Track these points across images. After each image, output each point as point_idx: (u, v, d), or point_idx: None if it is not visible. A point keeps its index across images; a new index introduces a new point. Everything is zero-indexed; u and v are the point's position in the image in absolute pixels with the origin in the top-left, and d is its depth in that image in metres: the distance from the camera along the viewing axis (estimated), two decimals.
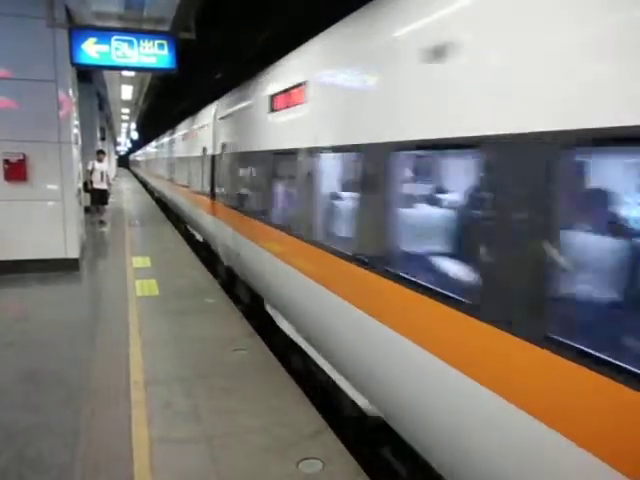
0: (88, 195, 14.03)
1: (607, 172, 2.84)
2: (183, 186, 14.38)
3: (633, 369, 1.92)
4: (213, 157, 10.00)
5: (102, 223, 15.02)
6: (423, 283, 3.17)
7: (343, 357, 4.33)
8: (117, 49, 7.93)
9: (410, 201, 3.96)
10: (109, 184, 15.38)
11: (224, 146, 9.04)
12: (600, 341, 2.16)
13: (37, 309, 7.32)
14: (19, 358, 5.49)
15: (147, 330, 6.30)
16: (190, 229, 13.80)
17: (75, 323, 6.70)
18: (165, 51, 8.15)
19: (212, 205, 9.96)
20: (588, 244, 2.54)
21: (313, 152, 4.84)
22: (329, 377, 4.72)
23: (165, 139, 22.37)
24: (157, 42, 8.10)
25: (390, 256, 3.58)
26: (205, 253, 11.43)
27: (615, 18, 2.07)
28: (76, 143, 10.09)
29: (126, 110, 25.43)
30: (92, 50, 7.85)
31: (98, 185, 14.36)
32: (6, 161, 8.70)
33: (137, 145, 53.48)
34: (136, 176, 53.02)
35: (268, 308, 6.70)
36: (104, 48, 7.89)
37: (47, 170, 8.98)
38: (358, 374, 4.09)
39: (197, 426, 4.15)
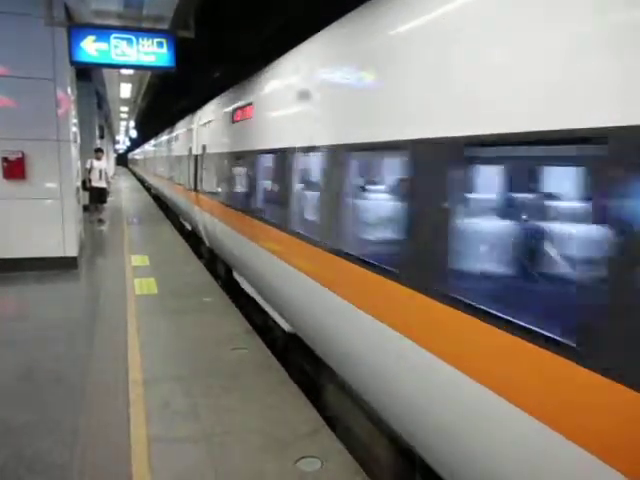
0: (87, 193, 14.01)
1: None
2: (174, 182, 16.34)
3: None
4: (196, 157, 11.82)
5: (101, 221, 15.01)
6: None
7: (279, 302, 5.97)
8: (116, 47, 7.92)
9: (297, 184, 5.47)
10: (108, 182, 15.36)
11: (204, 148, 10.88)
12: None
13: (35, 307, 7.32)
14: (17, 357, 5.49)
15: (145, 329, 6.31)
16: (182, 221, 15.23)
17: (73, 322, 6.70)
18: (164, 49, 8.14)
19: (196, 196, 11.71)
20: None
21: (255, 153, 6.78)
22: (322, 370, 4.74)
23: (159, 140, 24.99)
24: (156, 40, 8.09)
25: (304, 222, 5.07)
26: (194, 241, 12.78)
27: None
28: (75, 141, 10.08)
29: (125, 108, 25.38)
30: (91, 48, 7.84)
31: (97, 183, 14.33)
32: (5, 159, 8.69)
33: (136, 143, 53.44)
34: (134, 174, 52.99)
35: (235, 275, 8.38)
36: (103, 46, 7.88)
37: (46, 168, 8.97)
38: (292, 316, 5.51)
39: (195, 425, 4.15)
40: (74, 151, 9.81)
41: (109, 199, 17.23)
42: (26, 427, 4.07)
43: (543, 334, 2.26)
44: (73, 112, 9.91)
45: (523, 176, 3.88)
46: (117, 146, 55.91)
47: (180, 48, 8.26)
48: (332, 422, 4.49)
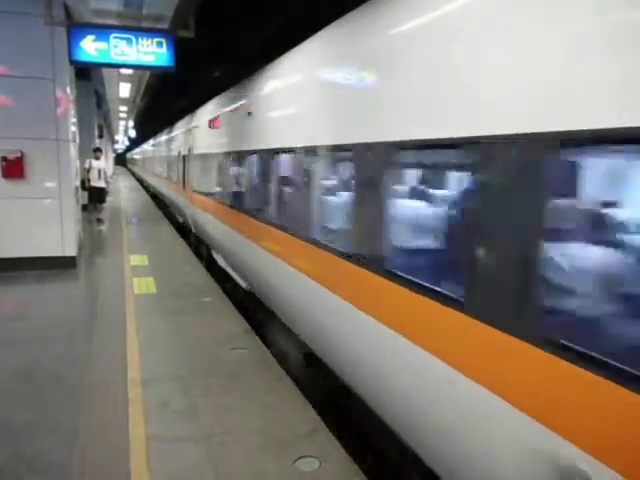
0: (86, 193, 14.00)
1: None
2: (166, 179, 19.05)
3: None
4: (184, 157, 14.20)
5: (99, 221, 15.00)
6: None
7: (238, 266, 8.12)
8: (116, 47, 7.92)
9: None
10: (107, 182, 15.35)
11: (189, 149, 13.21)
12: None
13: (34, 307, 7.31)
14: (16, 356, 5.48)
15: (144, 328, 6.30)
16: (175, 214, 17.17)
17: (72, 321, 6.70)
18: (164, 49, 8.13)
19: (183, 190, 14.15)
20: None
21: (224, 155, 8.92)
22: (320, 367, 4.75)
23: (154, 142, 28.24)
24: (156, 40, 8.09)
25: (245, 202, 7.58)
26: (185, 232, 14.51)
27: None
28: (74, 141, 10.08)
29: (124, 108, 25.37)
30: (91, 48, 7.84)
31: (95, 183, 14.32)
32: (4, 158, 8.69)
33: (135, 143, 53.42)
34: (133, 174, 52.95)
35: (214, 254, 10.34)
36: (103, 46, 7.88)
37: (45, 168, 8.96)
38: (247, 276, 7.59)
39: (195, 425, 4.15)
40: (73, 151, 9.80)
41: (108, 199, 17.22)
42: (26, 427, 4.07)
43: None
44: (72, 111, 9.90)
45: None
46: (116, 146, 55.87)
47: (179, 48, 8.26)
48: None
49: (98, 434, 3.98)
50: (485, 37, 2.70)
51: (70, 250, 9.24)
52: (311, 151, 4.88)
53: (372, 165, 3.77)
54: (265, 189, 6.47)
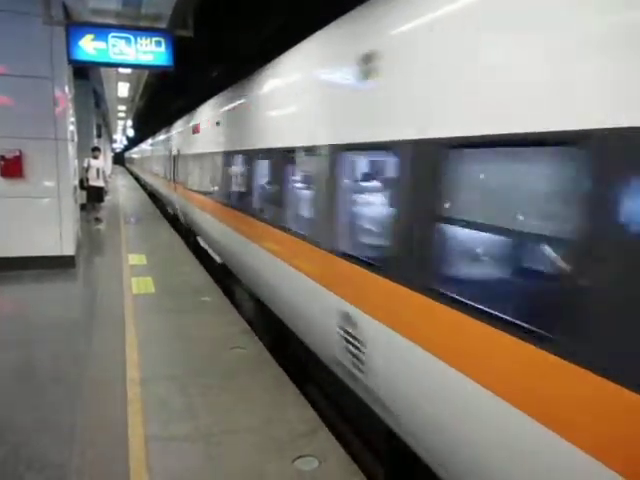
0: (84, 192, 13.98)
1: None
2: (159, 175, 21.56)
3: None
4: (174, 157, 16.34)
5: (98, 220, 14.97)
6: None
7: (214, 245, 9.87)
8: (114, 46, 7.91)
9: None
10: (106, 181, 15.33)
11: (178, 150, 15.41)
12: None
13: (33, 306, 7.31)
14: (15, 356, 5.48)
15: (143, 328, 6.30)
16: (168, 208, 18.91)
17: (71, 321, 6.70)
18: (162, 48, 8.13)
19: (174, 186, 16.16)
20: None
21: (202, 155, 10.92)
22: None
23: (149, 143, 31.27)
24: (154, 39, 8.09)
25: (215, 191, 9.59)
26: (175, 221, 16.50)
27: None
28: (72, 140, 10.07)
29: (122, 107, 25.34)
30: (89, 47, 7.83)
31: (94, 182, 14.31)
32: (2, 157, 8.67)
33: (133, 142, 53.37)
34: (131, 173, 52.90)
35: (199, 239, 11.88)
36: (101, 45, 7.87)
37: (43, 167, 8.95)
38: (219, 251, 9.41)
39: (193, 424, 4.15)
40: (71, 150, 9.79)
41: (106, 198, 17.20)
42: (24, 426, 4.07)
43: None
44: (71, 111, 9.89)
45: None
46: (114, 145, 55.80)
47: (178, 47, 8.25)
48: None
49: (97, 433, 3.99)
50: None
51: (68, 249, 9.24)
52: (247, 153, 7.25)
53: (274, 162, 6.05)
54: (225, 181, 8.81)
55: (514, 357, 2.39)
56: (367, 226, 4.14)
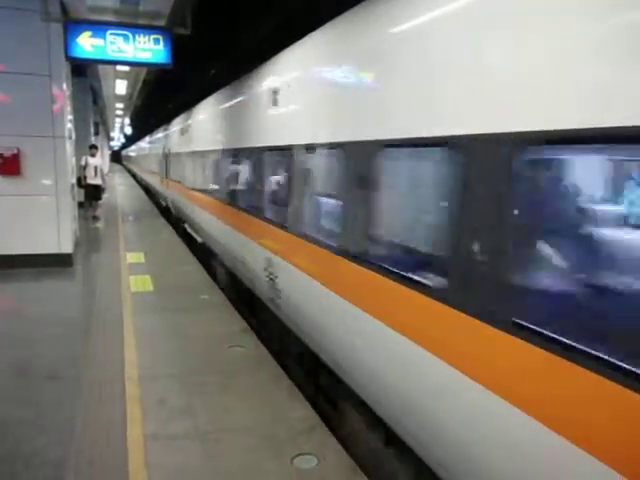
0: (82, 190, 13.95)
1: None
2: (153, 172, 23.78)
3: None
4: (165, 155, 18.18)
5: (96, 218, 14.95)
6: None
7: (196, 228, 11.74)
8: (112, 43, 7.91)
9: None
10: (103, 179, 15.31)
11: (169, 149, 17.30)
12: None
13: (30, 305, 7.29)
14: (13, 354, 5.47)
15: (141, 326, 6.29)
16: (161, 200, 20.78)
17: (69, 319, 6.68)
18: (161, 46, 8.13)
19: (166, 181, 17.91)
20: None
21: (188, 154, 12.61)
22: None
23: (144, 142, 33.43)
24: (153, 37, 8.09)
25: (195, 182, 11.82)
26: (167, 214, 18.01)
27: None
28: (70, 138, 10.04)
29: (120, 105, 25.31)
30: (87, 44, 7.83)
31: (92, 180, 14.29)
32: (0, 155, 8.64)
33: (130, 140, 53.26)
34: (129, 171, 52.81)
35: (187, 227, 13.52)
36: (99, 42, 7.86)
37: (41, 165, 8.92)
38: (201, 234, 11.03)
39: (192, 422, 4.15)
40: (69, 148, 9.76)
41: (104, 196, 17.18)
42: (23, 424, 4.06)
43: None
44: (68, 108, 9.86)
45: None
46: (112, 143, 55.69)
47: (176, 45, 8.24)
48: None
49: (96, 431, 3.98)
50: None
51: (66, 247, 9.22)
52: (214, 152, 9.33)
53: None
54: (200, 175, 11.08)
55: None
56: (274, 202, 6.18)
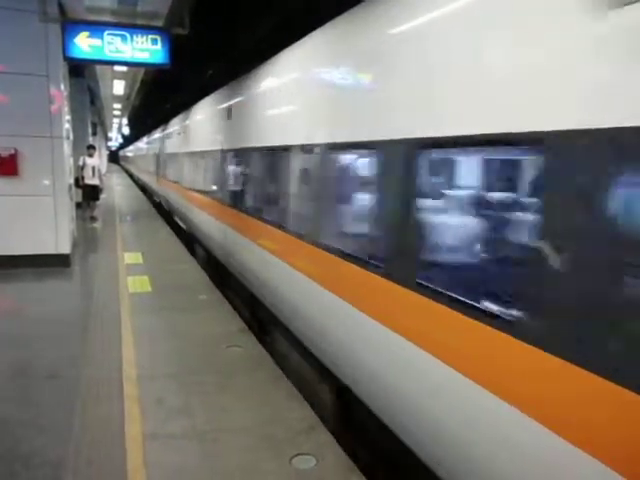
0: (80, 191, 13.93)
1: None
2: (147, 171, 26.46)
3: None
4: (157, 155, 21.16)
5: (93, 219, 14.93)
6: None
7: (183, 218, 14.21)
8: (110, 43, 7.90)
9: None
10: (101, 179, 15.28)
11: (161, 150, 19.93)
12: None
13: (28, 305, 7.27)
14: (11, 354, 5.46)
15: (140, 326, 6.29)
16: (154, 196, 23.26)
17: (67, 319, 6.67)
18: (158, 46, 8.13)
19: (159, 180, 20.40)
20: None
21: (178, 155, 14.99)
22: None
23: (139, 143, 37.62)
24: (150, 37, 8.08)
25: (179, 177, 14.88)
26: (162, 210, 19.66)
27: None
28: (68, 138, 10.02)
29: (118, 105, 25.28)
30: (85, 44, 7.82)
31: (90, 181, 14.27)
32: None
33: (128, 140, 53.21)
34: (126, 171, 52.75)
35: (175, 217, 15.87)
36: (97, 42, 7.86)
37: (39, 165, 8.90)
38: (187, 223, 13.47)
39: (190, 422, 4.15)
40: (67, 148, 9.75)
41: (101, 196, 17.16)
42: (21, 424, 4.05)
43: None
44: (66, 108, 9.84)
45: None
46: (109, 143, 55.61)
47: (174, 45, 8.23)
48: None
49: (94, 431, 3.97)
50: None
51: (64, 248, 9.20)
52: (187, 154, 12.60)
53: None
54: (184, 171, 13.47)
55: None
56: (220, 189, 9.15)
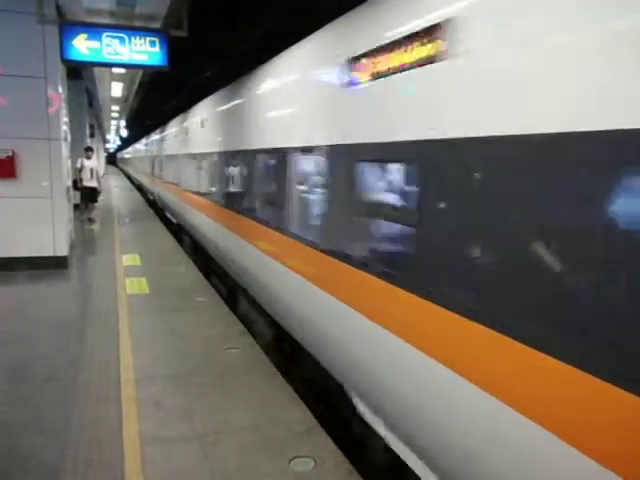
0: (77, 193, 13.91)
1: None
2: (144, 172, 28.18)
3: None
4: (152, 157, 23.07)
5: (91, 221, 14.91)
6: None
7: (174, 213, 15.83)
8: (108, 45, 7.89)
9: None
10: (99, 181, 15.27)
11: (156, 152, 21.68)
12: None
13: (26, 307, 7.26)
14: (8, 356, 5.45)
15: (138, 328, 6.28)
16: (149, 195, 24.99)
17: (65, 321, 6.66)
18: (157, 48, 8.11)
19: (154, 180, 21.99)
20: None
21: (170, 157, 16.67)
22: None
23: (136, 146, 39.82)
24: (149, 39, 8.06)
25: (164, 174, 17.97)
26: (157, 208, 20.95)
27: None
28: (65, 140, 10.01)
29: (116, 107, 25.25)
30: (83, 46, 7.80)
31: (88, 183, 14.25)
32: None
33: (126, 142, 53.17)
34: (124, 173, 52.70)
35: (167, 213, 17.36)
36: (95, 44, 7.84)
37: (36, 167, 8.88)
38: (178, 216, 15.16)
39: (188, 424, 4.14)
40: (65, 150, 9.74)
41: (99, 198, 17.14)
42: (18, 426, 4.04)
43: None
44: (64, 110, 9.83)
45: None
46: (107, 145, 55.56)
47: (172, 47, 8.23)
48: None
49: (92, 433, 3.96)
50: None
51: (62, 250, 9.19)
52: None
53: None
54: (173, 170, 15.13)
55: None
56: (196, 185, 11.13)
